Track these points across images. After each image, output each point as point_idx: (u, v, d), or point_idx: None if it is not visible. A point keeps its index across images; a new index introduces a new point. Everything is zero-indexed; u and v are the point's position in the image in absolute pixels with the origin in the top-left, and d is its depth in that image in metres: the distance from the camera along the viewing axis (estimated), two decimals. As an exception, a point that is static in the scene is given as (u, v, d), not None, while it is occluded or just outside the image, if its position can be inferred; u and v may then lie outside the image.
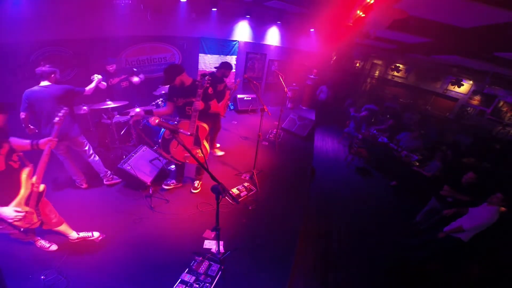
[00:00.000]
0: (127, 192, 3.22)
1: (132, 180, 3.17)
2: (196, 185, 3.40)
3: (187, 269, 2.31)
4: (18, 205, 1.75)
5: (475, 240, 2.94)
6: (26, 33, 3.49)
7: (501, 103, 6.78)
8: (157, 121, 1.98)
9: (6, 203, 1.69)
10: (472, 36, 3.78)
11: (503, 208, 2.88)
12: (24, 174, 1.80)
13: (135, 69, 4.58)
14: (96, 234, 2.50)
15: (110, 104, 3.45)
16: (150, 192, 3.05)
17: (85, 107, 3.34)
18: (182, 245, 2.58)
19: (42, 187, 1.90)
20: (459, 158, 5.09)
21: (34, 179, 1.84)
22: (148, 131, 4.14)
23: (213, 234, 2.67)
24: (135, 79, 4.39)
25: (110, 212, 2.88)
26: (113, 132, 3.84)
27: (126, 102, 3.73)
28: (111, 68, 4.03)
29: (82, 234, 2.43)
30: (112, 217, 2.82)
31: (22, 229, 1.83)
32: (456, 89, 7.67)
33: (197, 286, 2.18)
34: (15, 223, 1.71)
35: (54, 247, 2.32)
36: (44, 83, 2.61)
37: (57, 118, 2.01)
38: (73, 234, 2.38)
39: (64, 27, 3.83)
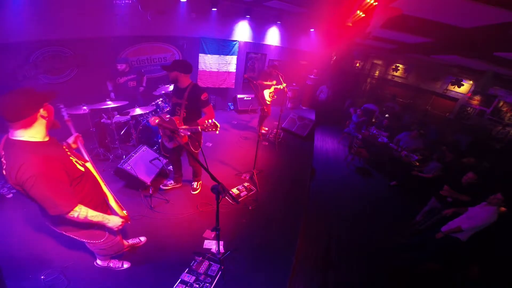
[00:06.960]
0: (127, 192, 3.22)
1: (132, 180, 3.17)
2: (195, 186, 3.40)
3: (187, 269, 2.31)
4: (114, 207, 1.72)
5: (473, 240, 2.94)
6: (26, 33, 3.47)
7: (501, 103, 6.77)
8: (157, 121, 1.99)
9: (103, 206, 1.66)
10: (472, 36, 3.77)
11: (503, 208, 2.88)
12: (94, 172, 1.67)
13: (143, 71, 4.56)
14: (142, 238, 2.50)
15: (110, 104, 3.45)
16: (150, 192, 3.05)
17: (85, 107, 3.34)
18: (182, 245, 2.59)
19: None
20: (459, 158, 5.08)
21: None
22: (148, 131, 4.14)
23: (213, 234, 2.67)
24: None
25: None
26: (113, 132, 3.84)
27: (126, 102, 3.73)
28: (121, 67, 4.09)
29: (131, 242, 2.38)
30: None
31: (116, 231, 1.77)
32: (456, 89, 7.67)
33: (197, 286, 2.18)
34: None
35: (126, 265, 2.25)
36: None
37: (65, 117, 2.02)
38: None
39: (64, 27, 3.81)
